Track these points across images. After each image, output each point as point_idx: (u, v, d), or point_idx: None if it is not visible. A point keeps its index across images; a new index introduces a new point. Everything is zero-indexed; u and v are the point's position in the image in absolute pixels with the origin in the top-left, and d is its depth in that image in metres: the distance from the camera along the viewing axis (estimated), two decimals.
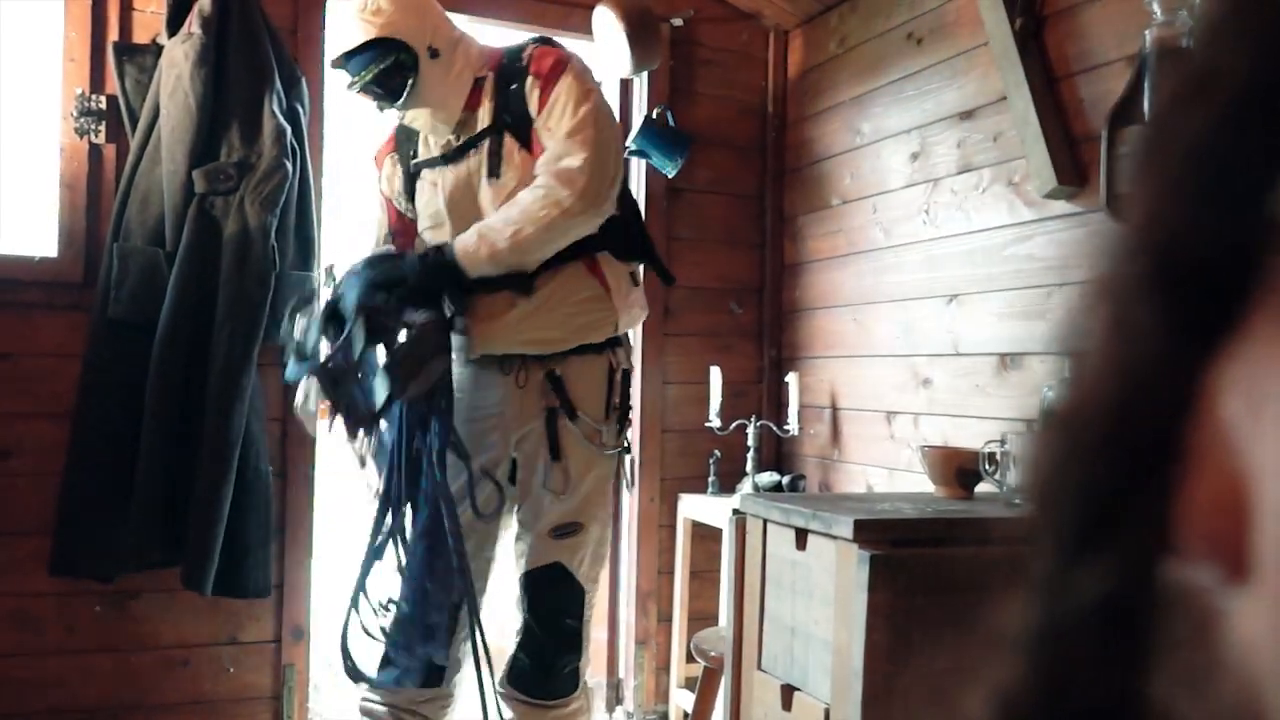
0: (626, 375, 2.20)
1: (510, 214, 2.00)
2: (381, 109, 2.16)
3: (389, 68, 2.07)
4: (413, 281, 2.01)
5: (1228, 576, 0.20)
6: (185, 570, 2.30)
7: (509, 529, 2.21)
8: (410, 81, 2.08)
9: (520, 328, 2.08)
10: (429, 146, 2.20)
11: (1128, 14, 1.99)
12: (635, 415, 3.02)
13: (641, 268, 2.27)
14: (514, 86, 2.10)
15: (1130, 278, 0.21)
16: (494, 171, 2.09)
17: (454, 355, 2.08)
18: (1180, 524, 0.20)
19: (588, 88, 2.07)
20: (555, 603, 2.14)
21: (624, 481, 2.22)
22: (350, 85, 2.12)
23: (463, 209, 2.13)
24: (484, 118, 2.13)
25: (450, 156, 2.15)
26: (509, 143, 2.09)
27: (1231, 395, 0.19)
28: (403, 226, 2.29)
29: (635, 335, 3.05)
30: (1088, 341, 0.22)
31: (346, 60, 2.10)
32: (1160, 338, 0.20)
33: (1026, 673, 0.23)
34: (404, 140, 2.26)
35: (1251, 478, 0.19)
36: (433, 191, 2.18)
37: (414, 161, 2.23)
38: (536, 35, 2.28)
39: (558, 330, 2.10)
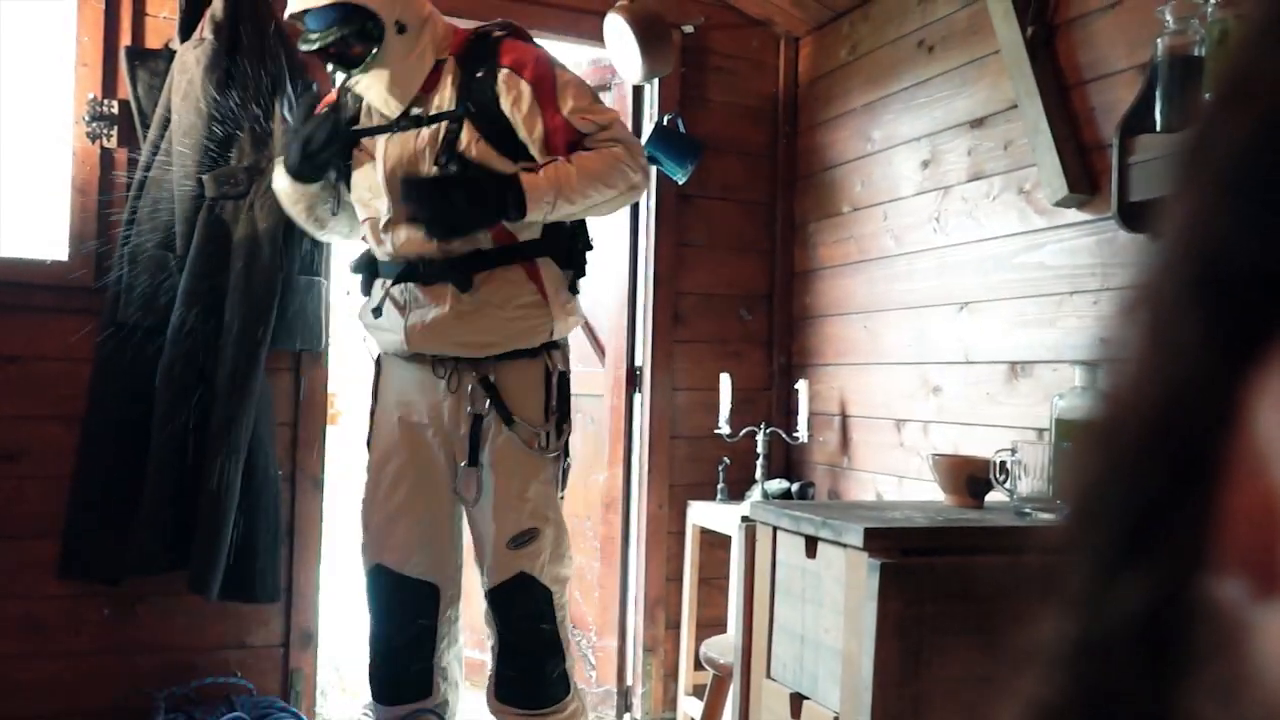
0: (564, 377, 2.17)
1: (585, 174, 1.98)
2: (332, 73, 2.12)
3: (351, 35, 1.98)
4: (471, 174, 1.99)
5: (1258, 590, 0.19)
6: (192, 574, 2.30)
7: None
8: (373, 52, 1.99)
9: (456, 328, 2.06)
10: (370, 115, 2.13)
11: (1139, 23, 1.98)
12: (643, 421, 3.03)
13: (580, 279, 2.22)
14: (480, 75, 2.05)
15: (1171, 288, 0.21)
16: (445, 157, 2.01)
17: (386, 351, 2.19)
18: (1217, 538, 0.20)
19: (577, 79, 2.10)
20: (526, 610, 2.12)
21: (557, 486, 2.16)
22: (305, 43, 2.01)
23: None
24: (442, 101, 2.06)
25: (394, 127, 2.07)
26: (468, 132, 2.02)
27: (1269, 409, 0.19)
28: None
29: (644, 341, 3.05)
30: (1126, 352, 0.21)
31: (305, 14, 1.98)
32: (1202, 350, 0.20)
33: (1064, 687, 0.22)
34: (347, 102, 2.16)
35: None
36: (370, 163, 2.10)
37: (354, 129, 2.12)
38: (501, 20, 2.20)
39: (493, 335, 2.08)
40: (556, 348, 2.17)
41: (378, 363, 2.26)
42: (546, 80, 2.03)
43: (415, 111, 2.08)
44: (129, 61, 2.44)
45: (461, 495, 2.13)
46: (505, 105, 2.03)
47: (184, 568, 2.32)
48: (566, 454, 2.19)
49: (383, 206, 2.08)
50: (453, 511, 2.19)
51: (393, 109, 2.08)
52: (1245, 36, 0.21)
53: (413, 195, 2.00)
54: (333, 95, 2.22)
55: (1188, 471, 0.20)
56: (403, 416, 2.16)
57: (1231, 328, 0.20)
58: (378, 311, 2.14)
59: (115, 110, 2.45)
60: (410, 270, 2.08)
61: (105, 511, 2.33)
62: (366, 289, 2.21)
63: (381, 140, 2.08)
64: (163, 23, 2.51)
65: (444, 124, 2.03)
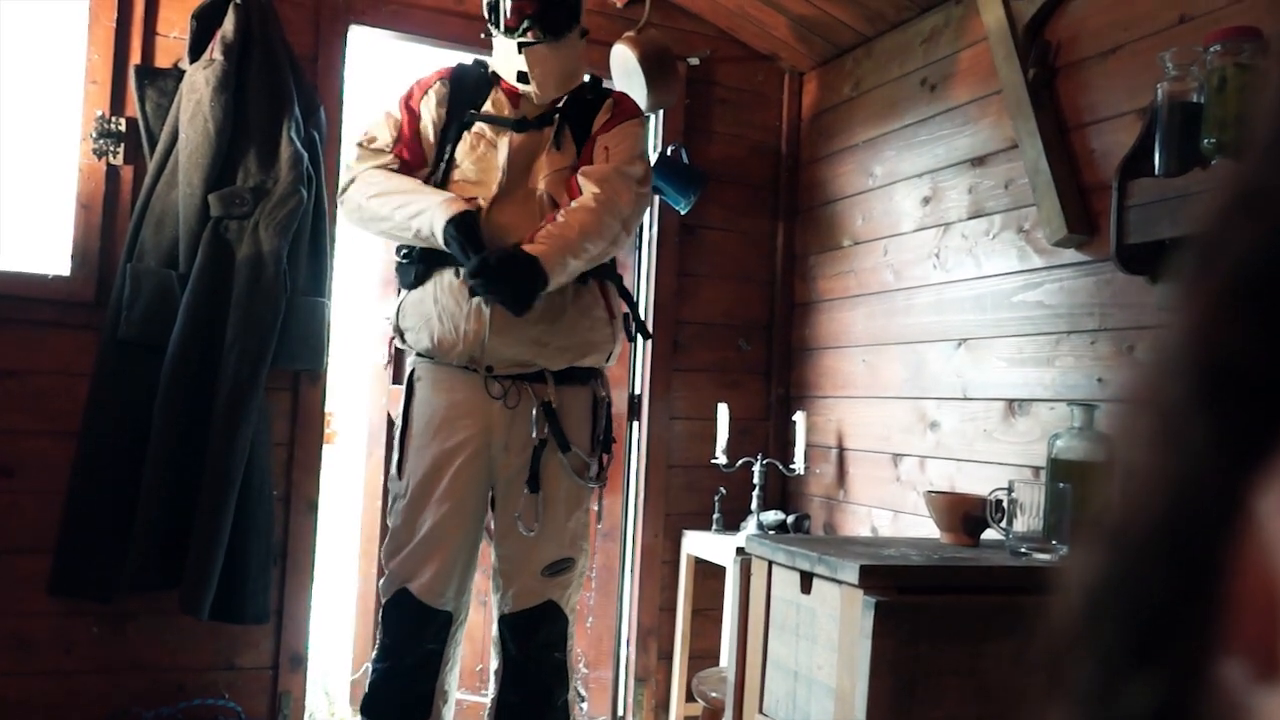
0: (608, 404, 2.21)
1: (575, 227, 2.04)
2: (522, 38, 2.13)
3: (569, 3, 2.15)
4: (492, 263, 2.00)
5: (1258, 674, 0.20)
6: (183, 593, 2.29)
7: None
8: (566, 33, 2.15)
9: (539, 326, 2.05)
10: (498, 106, 2.20)
11: (1139, 68, 2.01)
12: (640, 449, 3.03)
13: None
14: (590, 98, 2.25)
15: (1178, 390, 0.21)
16: (558, 145, 2.16)
17: (436, 358, 2.11)
18: (1224, 635, 0.20)
19: (645, 148, 2.28)
20: (548, 638, 2.14)
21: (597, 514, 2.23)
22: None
23: (517, 170, 2.13)
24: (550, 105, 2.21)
25: (520, 126, 2.17)
26: (567, 131, 2.19)
27: (1274, 506, 0.19)
28: (414, 146, 2.20)
29: (643, 370, 3.06)
30: (1134, 450, 0.22)
31: None
32: (1208, 452, 0.20)
33: None
34: (462, 88, 2.23)
35: None
36: (487, 147, 2.16)
37: (474, 113, 2.19)
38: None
39: (571, 339, 2.10)
40: (600, 375, 2.21)
41: (411, 381, 2.18)
42: (623, 119, 2.22)
43: (528, 115, 2.19)
44: (138, 80, 2.46)
45: (522, 525, 2.09)
46: (595, 125, 2.20)
47: (175, 587, 2.31)
48: (604, 482, 2.24)
49: (484, 190, 2.11)
50: (479, 536, 2.19)
51: (543, 98, 2.18)
52: (1252, 149, 0.21)
53: (500, 281, 1.98)
54: (445, 76, 2.24)
55: (1195, 574, 0.21)
56: (443, 440, 2.11)
57: (1238, 431, 0.20)
58: (437, 306, 2.08)
59: (123, 128, 2.47)
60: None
61: (99, 528, 2.32)
62: (420, 280, 2.13)
63: (503, 130, 2.16)
64: (173, 42, 2.53)
65: (554, 122, 2.17)
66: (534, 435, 2.09)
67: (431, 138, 2.20)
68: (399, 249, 2.21)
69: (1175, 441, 0.21)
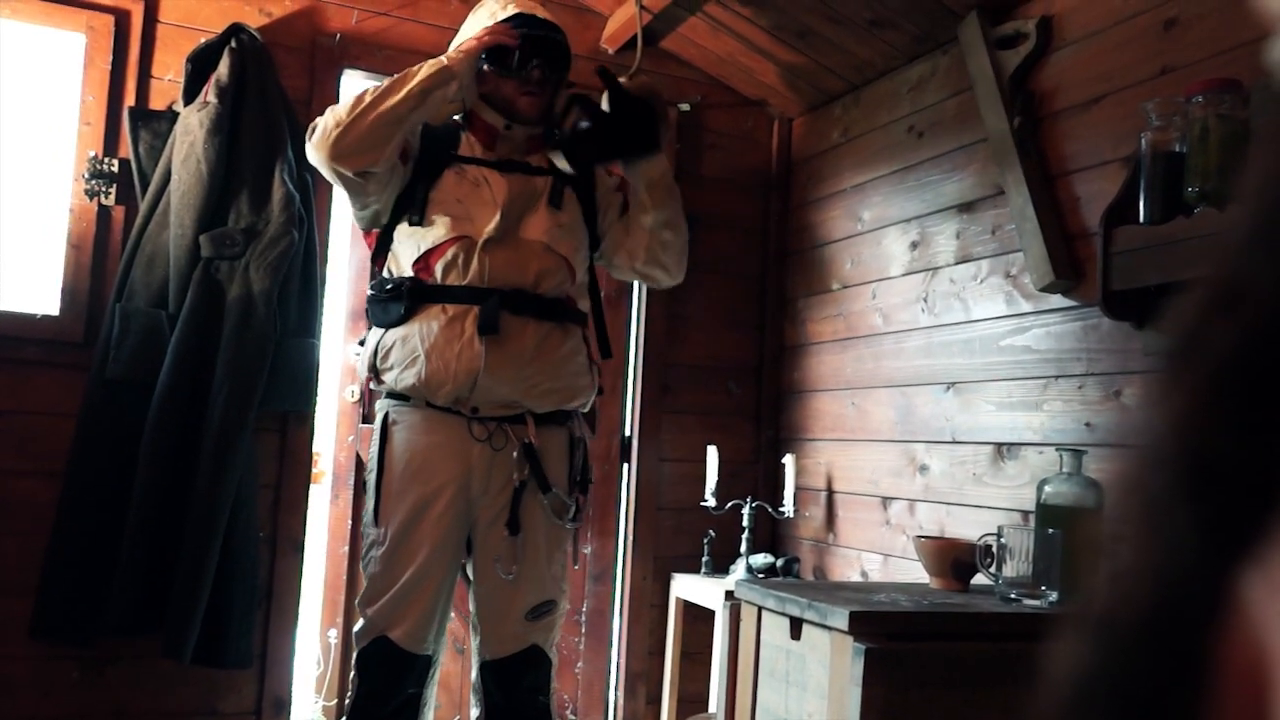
0: (584, 444, 2.21)
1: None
2: (526, 85, 2.16)
3: (560, 67, 2.21)
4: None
5: None
6: (165, 637, 2.26)
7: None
8: (555, 90, 2.21)
9: (531, 368, 2.05)
10: (472, 146, 2.19)
11: (1122, 117, 2.04)
12: (629, 491, 3.02)
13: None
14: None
15: (1161, 484, 0.21)
16: (556, 204, 2.18)
17: (416, 397, 2.07)
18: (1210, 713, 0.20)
19: None
20: (533, 683, 2.11)
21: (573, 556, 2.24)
22: (530, 35, 2.14)
23: (515, 213, 2.12)
24: (543, 160, 2.21)
25: (504, 166, 2.16)
26: (568, 192, 2.21)
27: (1261, 602, 0.20)
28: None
29: (632, 412, 3.05)
30: (1120, 543, 0.22)
31: (544, 40, 2.17)
32: (1192, 544, 0.21)
33: None
34: (431, 130, 2.19)
35: (1274, 661, 0.19)
36: (471, 188, 2.12)
37: (454, 154, 2.17)
38: None
39: (560, 381, 2.10)
40: (576, 415, 2.21)
41: (386, 426, 2.11)
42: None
43: (512, 158, 2.20)
44: (132, 121, 2.47)
45: (501, 568, 2.06)
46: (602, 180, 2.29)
47: (158, 630, 2.28)
48: (581, 523, 2.23)
49: (469, 229, 2.08)
50: (455, 578, 2.16)
51: (495, 146, 2.19)
52: (1231, 247, 0.22)
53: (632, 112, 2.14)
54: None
55: (1181, 665, 0.21)
56: (423, 484, 2.06)
57: (1220, 522, 0.20)
58: (426, 344, 2.02)
59: (115, 169, 2.48)
60: (505, 298, 2.04)
61: (82, 570, 2.29)
62: (406, 316, 2.06)
63: (487, 170, 2.16)
64: (167, 85, 2.55)
65: (551, 178, 2.19)
66: (515, 477, 2.07)
67: (413, 148, 2.15)
68: (378, 285, 2.14)
69: (1159, 532, 0.21)
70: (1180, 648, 0.21)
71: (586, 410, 2.24)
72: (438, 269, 2.07)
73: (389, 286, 2.10)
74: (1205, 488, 0.20)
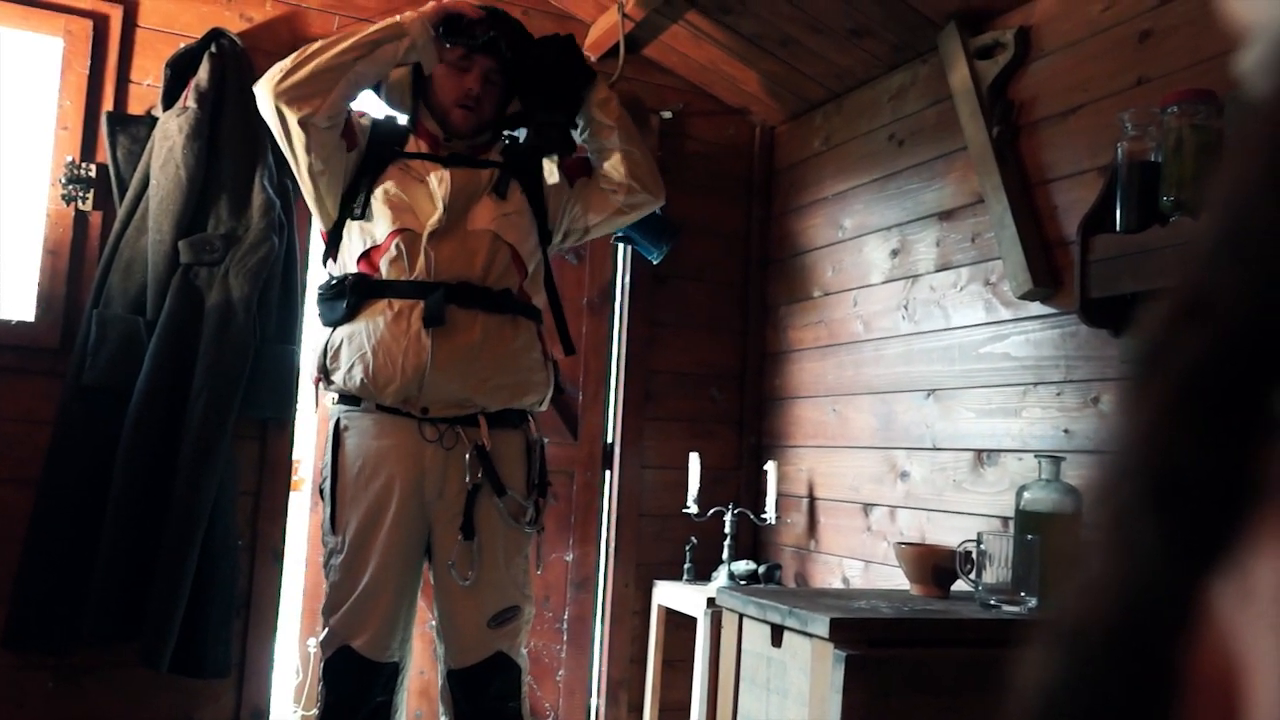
0: (542, 447, 2.18)
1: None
2: (465, 98, 2.16)
3: (506, 68, 2.21)
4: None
5: None
6: (143, 646, 2.23)
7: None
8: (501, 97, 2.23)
9: (480, 362, 2.02)
10: (419, 146, 2.19)
11: (1099, 127, 2.06)
12: (611, 498, 3.01)
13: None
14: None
15: (1129, 493, 0.21)
16: (500, 193, 2.16)
17: (366, 399, 2.06)
18: None
19: None
20: (501, 690, 2.08)
21: (536, 562, 2.20)
22: (483, 37, 2.14)
23: (460, 205, 2.11)
24: (490, 153, 2.23)
25: (452, 161, 2.16)
26: (514, 184, 2.20)
27: (1229, 610, 0.20)
28: (350, 123, 2.17)
29: (614, 418, 3.05)
30: (1089, 554, 0.22)
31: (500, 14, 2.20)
32: (1160, 556, 0.21)
33: None
34: (379, 129, 2.20)
35: (1244, 669, 0.19)
36: (415, 181, 2.12)
37: (399, 150, 2.17)
38: None
39: (511, 377, 2.08)
40: (531, 417, 2.19)
41: (337, 432, 2.09)
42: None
43: (457, 153, 2.20)
44: (110, 126, 2.45)
45: (456, 574, 2.04)
46: (546, 176, 2.30)
47: (134, 638, 2.26)
48: (542, 527, 2.19)
49: (410, 221, 2.07)
50: (418, 582, 2.14)
51: (433, 144, 2.20)
52: (1197, 256, 0.22)
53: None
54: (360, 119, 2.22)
55: (1150, 675, 0.21)
56: (375, 488, 2.04)
57: (1188, 533, 0.20)
58: (372, 340, 2.00)
59: (93, 174, 2.46)
60: (452, 291, 2.02)
61: (56, 579, 2.26)
62: (351, 313, 2.04)
63: (434, 165, 2.15)
64: (146, 90, 2.54)
65: (498, 170, 2.19)
66: (468, 480, 2.04)
67: (360, 143, 2.16)
68: (325, 284, 2.12)
69: (1127, 542, 0.21)
70: (1149, 657, 0.21)
71: (543, 409, 2.22)
72: (382, 264, 2.06)
73: (333, 283, 2.09)
74: (1172, 498, 0.21)
